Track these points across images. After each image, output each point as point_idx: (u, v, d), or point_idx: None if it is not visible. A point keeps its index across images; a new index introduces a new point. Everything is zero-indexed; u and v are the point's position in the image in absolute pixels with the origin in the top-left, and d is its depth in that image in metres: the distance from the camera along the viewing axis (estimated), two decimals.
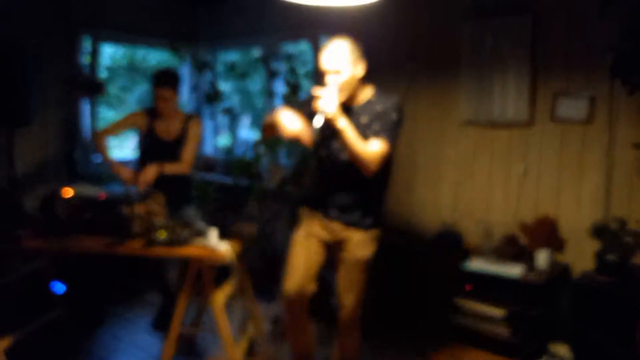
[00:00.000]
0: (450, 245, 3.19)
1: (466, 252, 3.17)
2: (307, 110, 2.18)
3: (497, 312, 2.95)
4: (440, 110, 3.52)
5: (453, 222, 3.43)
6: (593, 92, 2.89)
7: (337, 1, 2.25)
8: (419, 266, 3.37)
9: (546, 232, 3.05)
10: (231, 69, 4.65)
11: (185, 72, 5.08)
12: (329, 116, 2.01)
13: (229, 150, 4.79)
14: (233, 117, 4.99)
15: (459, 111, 3.39)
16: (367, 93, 2.29)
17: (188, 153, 3.15)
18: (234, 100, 5.90)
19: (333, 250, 2.37)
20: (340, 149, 2.20)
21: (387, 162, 2.25)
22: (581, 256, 3.00)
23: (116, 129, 3.17)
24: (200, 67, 4.69)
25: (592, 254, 2.79)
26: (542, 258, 2.91)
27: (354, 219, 2.29)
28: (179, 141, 3.15)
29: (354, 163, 2.14)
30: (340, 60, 2.13)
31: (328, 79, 2.13)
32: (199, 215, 3.20)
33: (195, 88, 4.92)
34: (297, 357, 2.52)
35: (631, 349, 2.49)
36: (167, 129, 3.16)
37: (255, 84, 7.48)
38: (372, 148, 2.13)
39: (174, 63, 4.83)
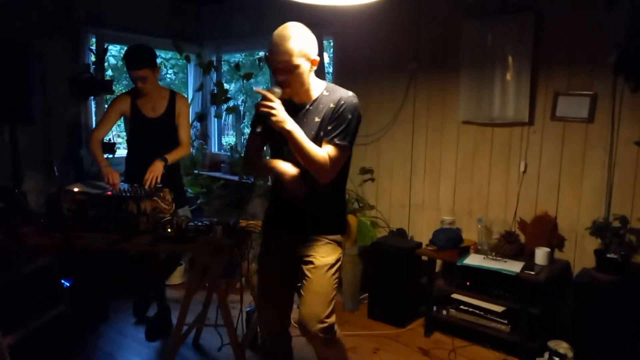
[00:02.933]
0: (449, 242, 3.21)
1: (466, 249, 3.18)
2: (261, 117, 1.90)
3: (496, 309, 2.97)
4: (440, 109, 3.54)
5: (453, 220, 3.45)
6: (595, 90, 2.90)
7: (341, 0, 2.28)
8: (418, 263, 3.40)
9: (546, 230, 3.07)
10: (236, 69, 4.69)
11: (191, 72, 5.12)
12: (274, 118, 1.79)
13: (233, 149, 4.83)
14: (238, 116, 5.04)
15: (460, 110, 3.41)
16: (318, 88, 2.00)
17: (184, 134, 3.10)
18: (239, 100, 5.96)
19: (298, 262, 2.08)
20: (291, 155, 1.93)
21: (343, 167, 2.01)
22: (582, 254, 3.02)
23: (108, 123, 3.04)
24: (205, 67, 4.73)
25: (593, 252, 2.81)
26: (542, 256, 2.93)
27: (316, 229, 2.04)
28: (166, 118, 3.06)
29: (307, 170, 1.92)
30: (292, 52, 1.82)
31: (276, 73, 1.86)
32: (190, 215, 3.21)
33: (200, 88, 4.95)
34: None
35: (633, 347, 2.51)
36: (153, 106, 3.05)
37: (260, 83, 7.53)
38: (325, 153, 1.89)
39: (179, 62, 4.87)
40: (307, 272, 2.02)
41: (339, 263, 2.07)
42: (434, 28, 3.51)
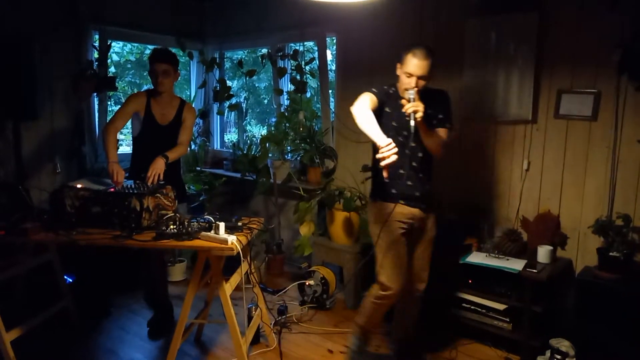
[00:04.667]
0: (452, 239, 3.21)
1: (468, 247, 3.18)
2: (386, 100, 2.53)
3: (498, 306, 2.97)
4: None
5: (455, 217, 3.44)
6: (598, 89, 2.90)
7: None
8: None
9: (549, 228, 3.07)
10: (239, 66, 4.69)
11: (194, 69, 5.12)
12: (419, 116, 2.31)
13: (236, 146, 4.84)
14: (240, 113, 5.04)
15: (463, 107, 3.40)
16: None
17: (185, 137, 3.20)
18: (241, 97, 5.97)
19: (410, 234, 2.64)
20: (418, 141, 2.50)
21: None
22: (584, 252, 3.02)
23: (124, 117, 3.11)
24: (208, 64, 4.73)
25: (595, 250, 2.81)
26: (544, 254, 2.93)
27: (429, 203, 2.64)
28: (173, 125, 3.17)
29: (429, 151, 2.53)
30: (428, 69, 2.42)
31: (412, 81, 2.41)
32: (189, 212, 3.23)
33: (203, 85, 4.95)
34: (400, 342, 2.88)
35: (635, 346, 2.51)
36: (163, 112, 3.15)
37: (262, 81, 7.53)
38: (444, 135, 2.55)
39: (182, 59, 4.85)
40: (426, 244, 2.67)
41: None
42: (437, 26, 3.50)
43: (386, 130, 2.45)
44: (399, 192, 2.58)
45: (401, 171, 2.52)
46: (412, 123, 2.32)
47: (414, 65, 2.40)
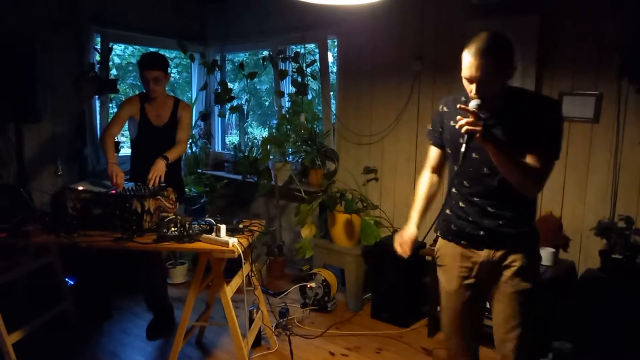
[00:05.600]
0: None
1: None
2: (443, 120, 1.95)
3: None
4: None
5: None
6: (600, 90, 2.89)
7: (346, 0, 2.28)
8: (422, 263, 3.40)
9: (551, 230, 3.06)
10: (240, 68, 4.70)
11: (195, 71, 5.13)
12: (480, 138, 1.65)
13: (237, 148, 4.84)
14: (241, 115, 5.04)
15: None
16: (508, 91, 1.79)
17: (183, 135, 3.19)
18: (242, 99, 5.97)
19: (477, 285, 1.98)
20: (488, 168, 1.81)
21: None
22: (586, 255, 3.01)
23: (120, 123, 3.14)
24: (210, 66, 4.74)
25: (598, 252, 2.80)
26: (546, 256, 2.92)
27: (504, 242, 1.86)
28: (169, 126, 3.18)
29: (511, 184, 1.75)
30: (488, 68, 1.65)
31: (472, 88, 1.71)
32: (187, 213, 3.22)
33: (204, 87, 4.96)
34: None
35: (636, 349, 2.50)
36: (158, 114, 3.17)
37: (264, 83, 7.54)
38: (536, 164, 1.72)
39: (183, 62, 4.86)
40: (508, 295, 1.88)
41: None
42: (438, 28, 3.50)
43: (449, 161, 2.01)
44: (459, 229, 1.97)
45: (461, 204, 1.95)
46: (463, 148, 1.71)
47: (466, 64, 1.69)
